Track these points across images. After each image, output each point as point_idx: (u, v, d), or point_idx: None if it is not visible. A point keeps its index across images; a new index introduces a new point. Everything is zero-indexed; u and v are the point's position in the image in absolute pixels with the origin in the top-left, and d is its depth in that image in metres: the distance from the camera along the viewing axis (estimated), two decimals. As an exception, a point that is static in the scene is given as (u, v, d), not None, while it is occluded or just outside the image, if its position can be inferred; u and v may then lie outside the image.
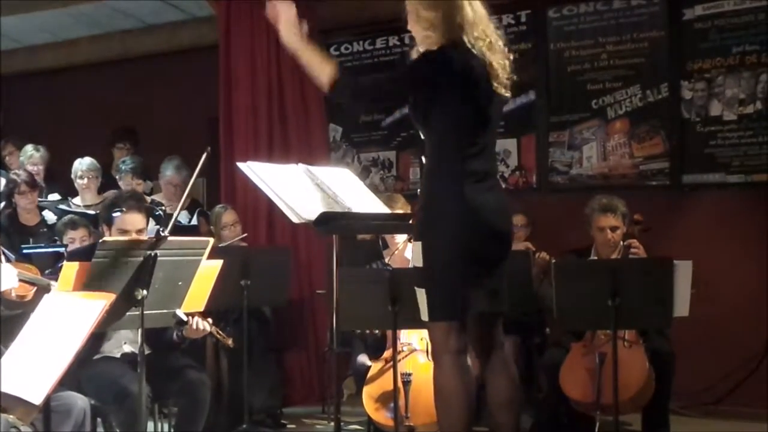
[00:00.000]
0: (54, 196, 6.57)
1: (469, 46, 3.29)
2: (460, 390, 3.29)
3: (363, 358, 4.84)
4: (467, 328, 3.35)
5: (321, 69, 3.31)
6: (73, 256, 4.19)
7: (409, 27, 3.43)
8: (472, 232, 3.25)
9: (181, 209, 4.78)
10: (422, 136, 3.44)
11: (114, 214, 4.09)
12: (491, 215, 3.29)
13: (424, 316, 3.34)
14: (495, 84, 3.32)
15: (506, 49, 3.39)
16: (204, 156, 3.75)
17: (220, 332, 4.18)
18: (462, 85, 3.26)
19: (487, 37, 3.32)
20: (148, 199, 5.86)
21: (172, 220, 3.85)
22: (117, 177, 6.31)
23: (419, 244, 3.33)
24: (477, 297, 3.31)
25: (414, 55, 3.44)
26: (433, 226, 3.30)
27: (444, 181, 3.32)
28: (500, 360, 3.44)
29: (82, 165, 6.35)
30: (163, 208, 5.98)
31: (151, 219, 4.98)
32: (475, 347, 3.46)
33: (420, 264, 3.32)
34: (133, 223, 4.10)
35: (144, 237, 4.20)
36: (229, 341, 4.29)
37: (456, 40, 3.30)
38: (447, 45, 3.30)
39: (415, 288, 3.37)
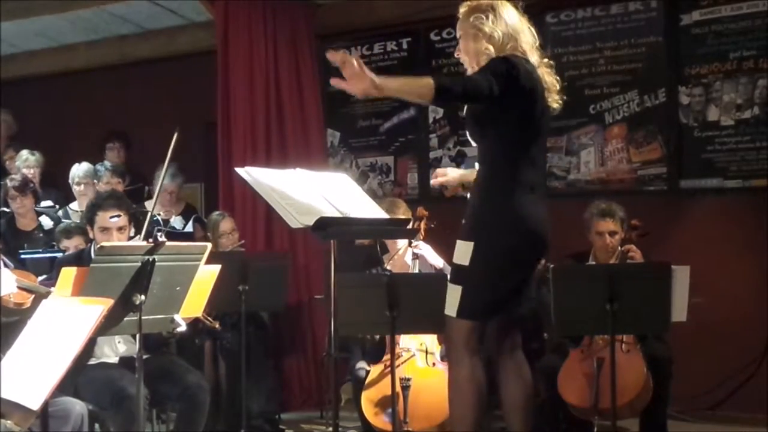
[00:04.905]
0: (47, 203, 6.54)
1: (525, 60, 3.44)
2: (474, 389, 3.42)
3: (362, 364, 4.84)
4: (490, 328, 3.50)
5: (418, 87, 3.14)
6: (60, 264, 4.15)
7: (461, 49, 3.54)
8: (519, 241, 3.40)
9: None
10: (473, 143, 3.58)
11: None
12: (538, 226, 3.44)
13: (449, 310, 3.45)
14: (547, 97, 3.47)
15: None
16: (175, 136, 3.78)
17: (207, 317, 4.18)
18: (526, 91, 3.37)
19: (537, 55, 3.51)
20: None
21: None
22: (94, 180, 6.26)
23: (462, 242, 3.44)
24: (510, 301, 3.48)
25: (469, 71, 3.50)
26: (484, 231, 3.42)
27: (498, 189, 3.44)
28: (515, 361, 3.56)
29: (79, 171, 6.32)
30: (159, 213, 5.97)
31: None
32: (494, 347, 3.56)
33: (460, 261, 3.43)
34: (113, 222, 4.10)
35: (125, 235, 4.21)
36: (216, 324, 4.35)
37: (514, 53, 3.43)
38: (508, 55, 3.40)
39: (449, 283, 3.49)
